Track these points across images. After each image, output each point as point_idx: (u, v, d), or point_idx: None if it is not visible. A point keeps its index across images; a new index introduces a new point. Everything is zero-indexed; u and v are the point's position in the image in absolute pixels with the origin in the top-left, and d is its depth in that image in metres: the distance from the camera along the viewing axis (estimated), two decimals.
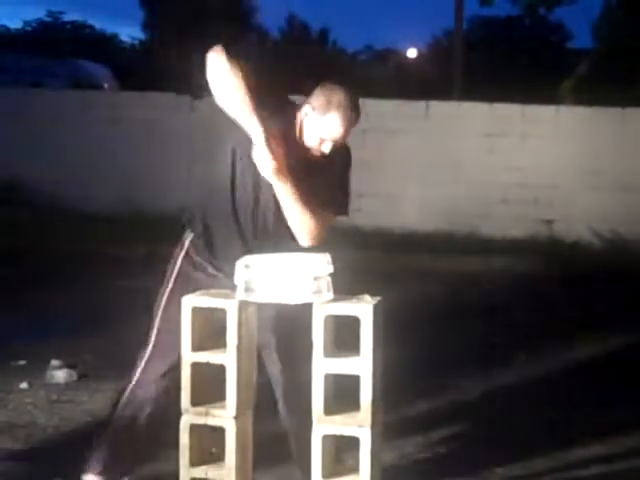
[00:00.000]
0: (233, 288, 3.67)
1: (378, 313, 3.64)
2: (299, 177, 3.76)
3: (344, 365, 3.63)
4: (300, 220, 3.79)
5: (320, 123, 3.78)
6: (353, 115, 3.84)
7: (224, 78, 3.77)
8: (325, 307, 3.60)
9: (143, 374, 3.95)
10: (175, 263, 3.97)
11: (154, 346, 3.94)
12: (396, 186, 12.53)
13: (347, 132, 3.85)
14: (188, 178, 12.81)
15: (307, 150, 3.84)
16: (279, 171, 3.67)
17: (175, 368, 3.81)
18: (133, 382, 3.96)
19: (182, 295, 3.75)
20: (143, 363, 3.95)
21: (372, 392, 3.60)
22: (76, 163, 13.13)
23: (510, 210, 12.38)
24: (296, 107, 3.88)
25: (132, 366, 3.99)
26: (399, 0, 77.48)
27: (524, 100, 13.00)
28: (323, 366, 3.61)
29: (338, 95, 3.82)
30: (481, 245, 11.62)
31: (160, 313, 3.95)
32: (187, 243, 3.97)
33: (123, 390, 3.99)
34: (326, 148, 3.83)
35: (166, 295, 3.95)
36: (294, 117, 3.84)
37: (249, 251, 3.76)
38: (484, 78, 27.78)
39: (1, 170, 13.04)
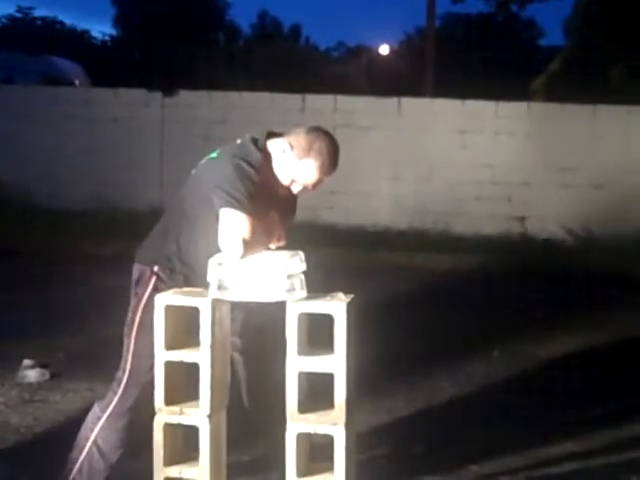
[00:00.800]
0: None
1: (351, 311, 3.64)
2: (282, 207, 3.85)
3: (318, 363, 3.63)
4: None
5: (296, 165, 3.76)
6: (330, 167, 3.81)
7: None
8: (299, 305, 3.60)
9: (119, 404, 3.89)
10: (145, 288, 3.86)
11: (129, 377, 3.87)
12: (369, 183, 12.53)
13: (320, 181, 3.83)
14: (159, 175, 12.78)
15: (277, 182, 3.83)
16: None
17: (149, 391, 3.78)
18: (107, 414, 3.90)
19: (152, 323, 3.71)
20: (120, 393, 3.89)
21: (346, 390, 3.60)
22: (47, 160, 13.05)
23: (483, 207, 12.40)
24: (274, 142, 3.84)
25: (106, 394, 3.95)
26: None
27: (496, 97, 13.03)
28: (297, 364, 3.60)
29: (320, 143, 3.77)
30: (454, 242, 11.63)
31: (132, 343, 3.86)
32: (156, 268, 3.86)
33: (97, 420, 3.93)
34: (295, 189, 3.83)
35: (136, 325, 3.86)
36: (267, 156, 3.80)
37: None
38: (456, 75, 27.89)
39: None
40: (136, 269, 3.91)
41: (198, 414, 3.65)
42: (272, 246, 3.79)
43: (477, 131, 12.52)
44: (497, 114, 12.56)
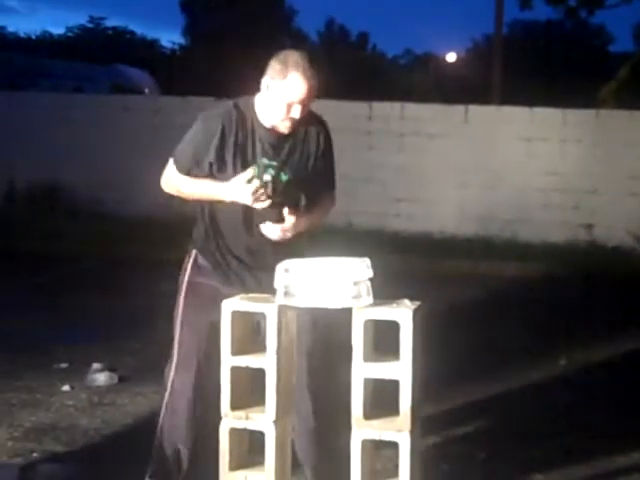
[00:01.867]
0: (243, 289, 3.84)
1: (418, 318, 3.64)
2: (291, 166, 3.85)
3: (384, 370, 3.63)
4: (317, 221, 4.02)
5: (282, 88, 3.75)
6: (312, 72, 3.76)
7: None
8: (365, 312, 3.60)
9: (173, 388, 3.98)
10: (184, 275, 4.04)
11: (178, 359, 3.97)
12: (435, 191, 12.51)
13: (311, 91, 3.77)
14: None
15: (279, 130, 3.84)
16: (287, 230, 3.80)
17: (202, 378, 3.90)
18: (166, 398, 4.00)
19: (195, 305, 3.90)
20: (172, 376, 3.98)
21: (411, 397, 3.59)
22: (116, 167, 13.23)
23: (550, 215, 12.30)
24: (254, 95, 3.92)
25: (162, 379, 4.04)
26: (439, 4, 77.34)
27: (564, 104, 12.93)
28: (363, 371, 3.61)
29: (293, 57, 3.78)
30: (520, 250, 11.56)
31: (178, 327, 3.99)
32: (193, 253, 4.04)
33: (161, 405, 4.04)
34: (295, 113, 3.78)
35: (180, 308, 3.99)
36: (251, 107, 3.89)
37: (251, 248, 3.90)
38: (524, 82, 27.69)
39: (42, 174, 13.17)
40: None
41: (264, 419, 3.67)
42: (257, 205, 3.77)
43: (544, 139, 12.43)
44: (564, 122, 12.46)
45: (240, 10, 38.43)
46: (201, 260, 4.00)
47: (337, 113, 12.92)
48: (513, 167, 12.43)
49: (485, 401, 5.89)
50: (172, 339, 4.01)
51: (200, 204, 4.01)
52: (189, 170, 3.90)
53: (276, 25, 41.03)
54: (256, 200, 3.70)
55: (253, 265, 3.92)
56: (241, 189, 3.70)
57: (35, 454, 4.65)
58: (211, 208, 3.95)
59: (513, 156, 12.46)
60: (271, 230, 3.80)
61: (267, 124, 3.85)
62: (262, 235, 3.83)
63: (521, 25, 39.07)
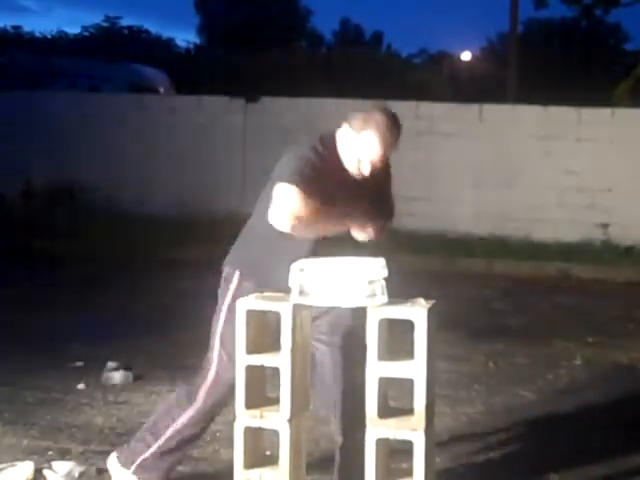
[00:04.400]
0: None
1: (432, 317, 3.64)
2: (355, 197, 3.83)
3: (398, 369, 3.63)
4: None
5: (357, 142, 3.78)
6: (391, 134, 3.79)
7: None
8: (379, 310, 3.61)
9: (205, 399, 4.00)
10: (226, 296, 3.96)
11: (216, 373, 3.97)
12: (450, 190, 12.49)
13: (385, 152, 3.80)
14: (241, 181, 12.89)
15: (346, 170, 3.85)
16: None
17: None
18: (195, 408, 4.01)
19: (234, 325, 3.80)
20: (203, 393, 4.00)
21: (426, 396, 3.59)
22: (132, 165, 13.27)
23: (565, 214, 12.27)
24: (327, 136, 3.91)
25: (192, 388, 4.05)
26: (453, 3, 77.26)
27: (580, 103, 12.89)
28: (377, 370, 3.61)
29: (376, 115, 3.80)
30: (535, 249, 11.54)
31: (218, 342, 3.97)
32: (237, 274, 3.96)
33: (181, 411, 4.04)
34: (365, 169, 3.82)
35: (220, 325, 3.97)
36: (334, 145, 3.87)
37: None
38: (539, 81, 27.62)
39: (60, 173, 13.22)
40: (224, 271, 4.01)
41: (278, 418, 3.67)
42: (358, 237, 3.84)
43: (559, 137, 12.40)
44: (580, 120, 12.43)
45: (255, 10, 38.47)
46: (247, 282, 3.94)
47: (353, 112, 12.92)
48: (528, 166, 12.40)
49: (499, 399, 5.88)
50: (209, 354, 4.00)
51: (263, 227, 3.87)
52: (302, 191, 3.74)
53: (291, 25, 41.05)
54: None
55: None
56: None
57: (50, 452, 4.66)
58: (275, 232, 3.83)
59: (528, 155, 12.43)
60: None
61: (346, 164, 3.87)
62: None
63: (536, 24, 38.94)
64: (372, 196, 3.95)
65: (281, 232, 3.75)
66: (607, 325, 8.23)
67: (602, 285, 10.08)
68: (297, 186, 3.65)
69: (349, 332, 3.97)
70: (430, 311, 3.62)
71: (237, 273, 3.96)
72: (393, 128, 3.79)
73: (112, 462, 4.19)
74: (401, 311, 3.63)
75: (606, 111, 12.72)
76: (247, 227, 4.05)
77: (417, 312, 3.59)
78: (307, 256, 3.76)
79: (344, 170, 3.85)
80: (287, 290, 3.67)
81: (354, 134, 3.79)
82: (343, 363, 3.98)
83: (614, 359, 7.01)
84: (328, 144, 3.86)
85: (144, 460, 4.08)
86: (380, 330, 3.61)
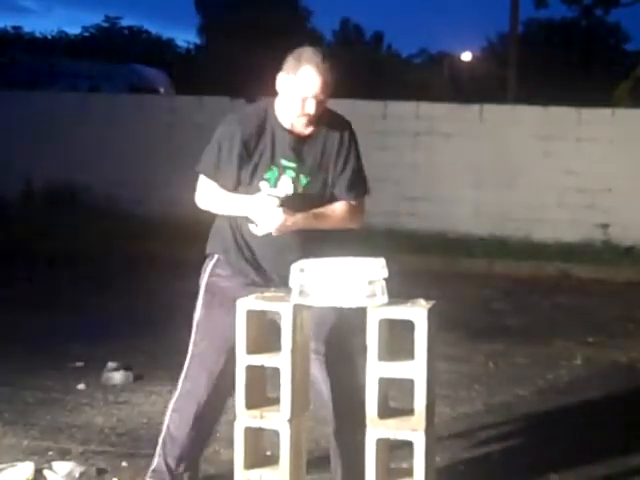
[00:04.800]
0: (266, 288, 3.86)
1: (433, 317, 3.63)
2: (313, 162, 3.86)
3: (398, 369, 3.63)
4: (335, 225, 3.92)
5: (295, 82, 3.77)
6: (325, 67, 3.77)
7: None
8: (379, 311, 3.61)
9: (185, 385, 4.02)
10: (203, 277, 4.05)
11: (192, 357, 4.00)
12: (450, 190, 12.49)
13: (325, 86, 3.77)
14: None
15: (298, 130, 3.84)
16: (290, 224, 3.74)
17: (218, 378, 3.93)
18: (178, 392, 4.05)
19: (213, 307, 3.93)
20: (182, 377, 4.03)
21: (426, 396, 3.59)
22: (132, 166, 13.28)
23: (565, 214, 12.27)
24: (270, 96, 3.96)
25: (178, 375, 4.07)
26: (454, 3, 77.27)
27: (580, 103, 12.89)
28: (377, 370, 3.61)
29: (307, 52, 3.80)
30: (535, 249, 11.54)
31: (195, 326, 4.02)
32: (212, 261, 4.05)
33: (169, 405, 4.08)
34: (310, 108, 3.77)
35: (199, 309, 4.02)
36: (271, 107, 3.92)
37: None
38: (539, 81, 27.62)
39: (59, 173, 13.22)
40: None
41: (279, 418, 3.67)
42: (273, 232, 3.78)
43: (560, 138, 12.40)
44: (580, 120, 12.43)
45: (255, 10, 38.45)
46: (222, 264, 4.00)
47: (352, 112, 12.83)
48: (528, 166, 12.40)
49: (499, 399, 5.89)
50: (188, 340, 4.03)
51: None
52: (215, 178, 4.03)
53: (291, 25, 41.04)
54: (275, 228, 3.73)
55: (277, 267, 3.88)
56: (262, 214, 3.73)
57: (51, 452, 4.66)
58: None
59: (528, 155, 12.44)
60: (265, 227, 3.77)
61: (286, 125, 3.85)
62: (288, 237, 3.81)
63: (536, 24, 38.94)
64: (317, 169, 3.89)
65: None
66: (607, 325, 8.23)
67: (602, 285, 10.08)
68: (200, 170, 4.14)
69: (334, 336, 3.95)
70: (430, 311, 3.62)
71: (210, 258, 4.05)
72: (325, 59, 3.78)
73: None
74: (401, 311, 3.63)
75: (606, 111, 12.72)
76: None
77: (417, 312, 3.59)
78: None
79: (283, 132, 3.85)
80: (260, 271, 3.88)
81: (292, 75, 3.77)
82: (331, 369, 3.97)
83: (614, 359, 7.01)
84: (263, 108, 3.95)
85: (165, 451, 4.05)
86: (380, 330, 3.61)
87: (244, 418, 3.70)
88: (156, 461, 4.04)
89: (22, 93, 15.06)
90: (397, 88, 26.42)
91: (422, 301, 3.71)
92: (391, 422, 3.65)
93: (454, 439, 5.02)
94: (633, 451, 4.96)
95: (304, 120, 3.80)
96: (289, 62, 3.80)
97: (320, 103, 3.78)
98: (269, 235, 3.77)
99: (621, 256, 11.35)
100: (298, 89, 3.75)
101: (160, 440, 4.06)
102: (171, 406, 4.06)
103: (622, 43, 42.91)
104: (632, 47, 40.68)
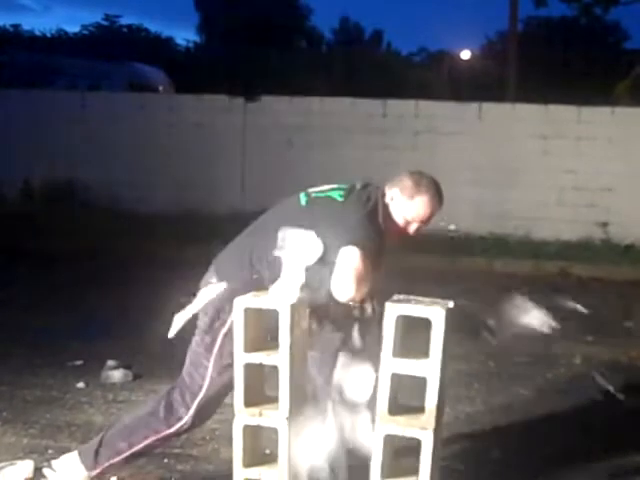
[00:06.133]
0: None
1: (449, 317, 3.64)
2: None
3: (412, 366, 3.62)
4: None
5: (409, 206, 3.95)
6: (439, 198, 4.06)
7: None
8: (398, 307, 3.60)
9: (189, 423, 4.01)
10: (225, 320, 3.90)
11: (206, 393, 3.97)
12: (450, 188, 12.31)
13: (433, 215, 4.03)
14: (241, 179, 12.90)
15: (389, 233, 3.95)
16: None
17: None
18: (174, 429, 4.02)
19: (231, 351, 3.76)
20: (194, 407, 3.98)
21: (438, 395, 3.59)
22: (132, 164, 13.27)
23: (565, 213, 12.27)
24: (379, 195, 3.96)
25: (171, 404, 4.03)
26: (453, 2, 77.25)
27: (579, 102, 12.89)
28: (391, 366, 3.60)
29: (425, 179, 4.03)
30: (535, 248, 11.54)
31: (211, 363, 3.95)
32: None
33: (156, 431, 4.04)
34: (412, 229, 4.00)
35: (216, 349, 3.93)
36: (380, 208, 3.93)
37: None
38: (539, 79, 27.60)
39: (59, 172, 13.21)
40: (218, 288, 3.94)
41: (277, 416, 3.68)
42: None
43: (559, 136, 12.40)
44: (580, 119, 12.43)
45: (255, 8, 38.42)
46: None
47: (352, 111, 12.93)
48: (528, 165, 12.40)
49: (499, 398, 5.89)
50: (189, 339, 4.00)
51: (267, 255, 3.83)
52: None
53: (291, 24, 41.01)
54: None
55: None
56: None
57: (50, 451, 4.67)
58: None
59: (528, 154, 12.44)
60: None
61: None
62: None
63: (536, 22, 38.91)
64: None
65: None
66: (606, 324, 8.23)
67: (602, 284, 10.08)
68: (368, 253, 3.71)
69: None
70: (449, 311, 3.63)
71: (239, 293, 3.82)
72: (440, 191, 4.09)
73: (70, 460, 4.16)
74: (420, 309, 3.63)
75: (606, 110, 12.71)
76: (261, 246, 3.90)
77: (435, 311, 3.60)
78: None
79: (386, 234, 3.94)
80: None
81: (405, 198, 3.95)
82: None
83: (614, 358, 7.00)
84: (374, 207, 3.93)
85: (111, 465, 4.09)
86: (397, 327, 3.60)
87: (243, 416, 3.71)
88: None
89: (22, 92, 15.04)
90: (397, 86, 26.40)
91: (440, 301, 3.72)
92: (401, 419, 3.65)
93: (454, 438, 5.02)
94: (633, 450, 4.96)
95: (402, 234, 4.01)
96: (407, 183, 3.98)
97: (420, 228, 4.02)
98: None
99: (621, 255, 11.35)
100: (408, 213, 3.96)
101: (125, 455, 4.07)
102: (173, 431, 4.03)
103: (622, 42, 42.91)
104: (631, 45, 40.65)
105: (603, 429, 5.32)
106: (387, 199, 3.97)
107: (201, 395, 3.96)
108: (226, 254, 4.03)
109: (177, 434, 4.07)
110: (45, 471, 4.23)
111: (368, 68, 33.59)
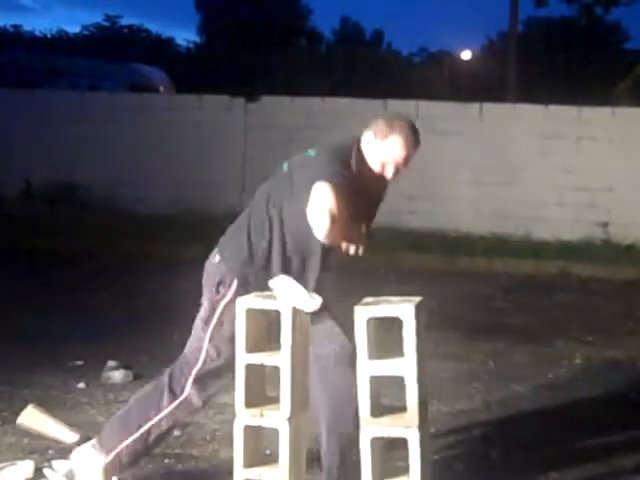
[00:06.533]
0: None
1: (421, 313, 3.64)
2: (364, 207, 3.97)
3: (388, 367, 3.63)
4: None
5: (382, 147, 3.89)
6: (414, 138, 3.95)
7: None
8: (367, 309, 3.61)
9: (192, 393, 4.04)
10: (224, 297, 3.96)
11: (203, 364, 4.01)
12: (450, 188, 12.49)
13: (409, 156, 3.94)
14: (241, 179, 12.90)
15: (365, 177, 3.92)
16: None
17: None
18: (178, 401, 4.05)
19: (230, 322, 3.83)
20: (190, 381, 4.03)
21: (418, 392, 3.59)
22: (132, 165, 13.27)
23: (565, 213, 12.27)
24: (354, 142, 3.96)
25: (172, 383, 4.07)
26: (453, 2, 77.26)
27: (580, 102, 12.88)
28: (368, 369, 3.61)
29: (398, 121, 3.96)
30: (535, 248, 11.53)
31: (207, 338, 3.99)
32: (236, 282, 3.96)
33: (161, 407, 4.07)
34: (389, 172, 3.93)
35: (212, 325, 3.99)
36: (353, 153, 3.92)
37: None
38: (539, 80, 27.62)
39: (59, 171, 13.22)
40: (219, 265, 4.01)
41: (278, 417, 3.68)
42: (352, 252, 3.83)
43: (560, 136, 12.40)
44: (580, 119, 12.43)
45: (255, 9, 38.45)
46: (249, 277, 3.96)
47: (352, 111, 12.92)
48: (528, 165, 12.41)
49: (498, 397, 5.89)
50: (197, 339, 4.03)
51: (270, 218, 3.93)
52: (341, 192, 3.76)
53: (291, 24, 41.04)
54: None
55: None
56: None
57: (51, 451, 4.66)
58: (284, 226, 3.92)
59: (528, 154, 12.44)
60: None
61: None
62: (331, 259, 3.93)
63: (536, 23, 38.93)
64: (372, 205, 4.11)
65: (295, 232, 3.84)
66: (607, 324, 8.23)
67: (602, 284, 10.08)
68: (336, 187, 3.68)
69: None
70: (418, 307, 3.63)
71: (236, 281, 3.95)
72: (415, 132, 3.97)
73: (85, 450, 4.18)
74: (388, 309, 3.64)
75: (606, 110, 12.72)
76: (255, 218, 4.01)
77: (404, 309, 3.60)
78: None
79: (367, 177, 3.92)
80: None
81: (378, 140, 3.90)
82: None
83: (614, 358, 7.01)
84: (347, 153, 3.92)
85: (124, 449, 4.10)
86: (369, 329, 3.61)
87: (244, 417, 3.71)
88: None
89: (22, 92, 15.05)
90: (397, 87, 26.38)
91: (409, 298, 3.72)
92: (384, 420, 3.66)
93: (453, 437, 5.02)
94: (633, 450, 4.96)
95: (380, 178, 3.96)
96: (380, 125, 3.93)
97: (398, 171, 3.93)
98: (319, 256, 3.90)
99: (621, 254, 11.34)
100: (382, 154, 3.90)
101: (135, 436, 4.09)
102: (170, 410, 4.06)
103: (622, 42, 42.93)
104: (632, 46, 40.70)
105: (604, 429, 5.32)
106: (363, 144, 3.94)
107: (198, 366, 4.00)
108: (228, 233, 4.13)
109: (180, 412, 4.06)
110: (45, 471, 4.23)
111: (368, 68, 33.59)
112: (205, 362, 3.99)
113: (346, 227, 3.73)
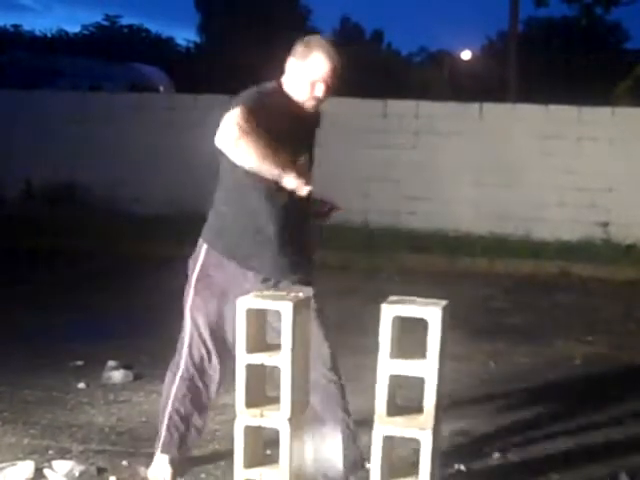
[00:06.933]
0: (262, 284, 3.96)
1: (446, 316, 3.63)
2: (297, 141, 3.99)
3: (410, 367, 3.62)
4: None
5: (306, 67, 3.92)
6: (335, 53, 3.95)
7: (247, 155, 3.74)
8: (394, 308, 3.59)
9: (187, 362, 4.22)
10: (195, 264, 4.18)
11: (190, 336, 4.20)
12: (450, 189, 12.48)
13: (334, 71, 3.94)
14: None
15: (300, 108, 3.97)
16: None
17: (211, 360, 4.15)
18: (179, 374, 4.24)
19: (204, 295, 4.10)
20: (185, 351, 4.22)
21: (436, 395, 3.59)
22: (132, 165, 13.26)
23: (565, 213, 12.27)
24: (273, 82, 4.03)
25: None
26: (453, 2, 77.26)
27: (580, 102, 12.88)
28: (388, 367, 3.60)
29: (315, 39, 4.00)
30: (535, 248, 11.53)
31: (188, 308, 4.20)
32: (205, 245, 4.18)
33: (172, 384, 4.26)
34: (319, 91, 3.94)
35: (190, 297, 4.19)
36: (272, 85, 4.00)
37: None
38: (539, 80, 27.61)
39: (59, 171, 13.22)
40: (198, 246, 4.26)
41: (279, 417, 3.67)
42: (303, 192, 3.80)
43: (560, 137, 12.40)
44: (580, 119, 12.42)
45: (255, 9, 38.44)
46: (213, 251, 4.13)
47: (352, 111, 12.91)
48: (528, 165, 12.40)
49: (500, 398, 5.88)
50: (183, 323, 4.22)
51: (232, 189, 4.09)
52: (257, 116, 3.74)
53: (291, 24, 41.03)
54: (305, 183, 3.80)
55: (288, 250, 4.05)
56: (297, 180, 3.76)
57: (51, 451, 4.66)
58: (245, 192, 4.03)
59: (528, 154, 12.43)
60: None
61: (295, 100, 3.99)
62: (298, 214, 4.00)
63: (536, 22, 38.92)
64: (308, 142, 4.15)
65: (242, 194, 4.01)
66: (607, 324, 8.24)
67: (602, 284, 10.08)
68: (245, 107, 3.71)
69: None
70: (444, 310, 3.62)
71: (205, 245, 4.17)
72: (335, 46, 3.98)
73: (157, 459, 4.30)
74: (415, 310, 3.62)
75: (606, 110, 12.71)
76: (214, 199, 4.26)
77: (431, 311, 3.58)
78: (268, 220, 3.99)
79: (288, 112, 3.94)
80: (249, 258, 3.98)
81: (300, 61, 3.93)
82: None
83: (614, 358, 7.00)
84: (269, 88, 3.99)
85: (165, 431, 4.25)
86: (393, 328, 3.59)
87: (244, 417, 3.70)
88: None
89: (22, 92, 15.05)
90: (397, 87, 26.39)
91: (435, 300, 3.71)
92: (399, 420, 3.64)
93: (453, 437, 5.02)
94: (633, 450, 4.95)
95: (313, 103, 3.98)
96: (299, 48, 3.96)
97: (329, 88, 3.95)
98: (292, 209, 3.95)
99: (621, 255, 11.34)
100: (308, 74, 3.92)
101: (165, 424, 4.25)
102: (175, 391, 4.26)
103: (622, 42, 42.93)
104: (632, 46, 40.69)
105: (604, 429, 5.32)
106: (286, 74, 3.97)
107: (187, 340, 4.19)
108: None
109: (181, 391, 4.22)
110: (46, 471, 4.22)
111: (368, 68, 33.57)
112: (192, 336, 4.17)
113: (273, 151, 3.69)
